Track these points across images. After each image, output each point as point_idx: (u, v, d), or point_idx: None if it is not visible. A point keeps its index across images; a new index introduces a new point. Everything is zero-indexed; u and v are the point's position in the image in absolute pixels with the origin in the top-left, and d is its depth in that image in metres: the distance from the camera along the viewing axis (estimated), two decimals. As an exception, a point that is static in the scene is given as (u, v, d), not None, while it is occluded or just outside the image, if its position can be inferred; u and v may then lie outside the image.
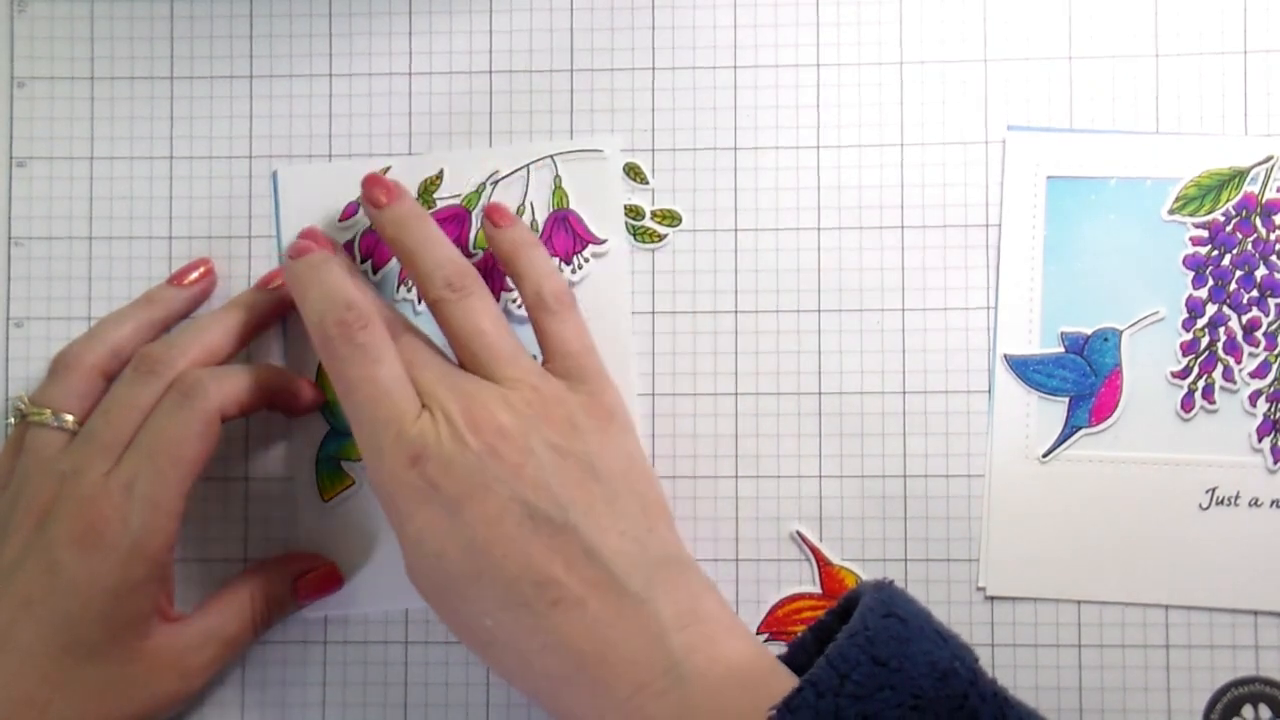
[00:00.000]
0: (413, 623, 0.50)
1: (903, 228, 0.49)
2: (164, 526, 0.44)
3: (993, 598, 0.49)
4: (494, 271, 0.50)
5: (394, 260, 0.50)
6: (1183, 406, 0.48)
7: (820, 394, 0.49)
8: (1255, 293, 0.48)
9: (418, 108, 0.51)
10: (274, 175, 0.51)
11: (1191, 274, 0.48)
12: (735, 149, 0.50)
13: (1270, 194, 0.48)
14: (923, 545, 0.49)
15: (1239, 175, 0.49)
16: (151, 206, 0.51)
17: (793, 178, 0.50)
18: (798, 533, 0.49)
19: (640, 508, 0.43)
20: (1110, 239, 0.49)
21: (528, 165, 0.50)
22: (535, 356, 0.46)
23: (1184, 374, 0.48)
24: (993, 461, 0.49)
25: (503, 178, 0.50)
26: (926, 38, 0.50)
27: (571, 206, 0.50)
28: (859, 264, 0.49)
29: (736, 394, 0.49)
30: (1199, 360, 0.48)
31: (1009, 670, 0.48)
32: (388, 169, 0.50)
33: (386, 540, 0.50)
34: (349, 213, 0.50)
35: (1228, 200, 0.48)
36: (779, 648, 0.47)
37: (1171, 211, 0.49)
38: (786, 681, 0.38)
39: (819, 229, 0.50)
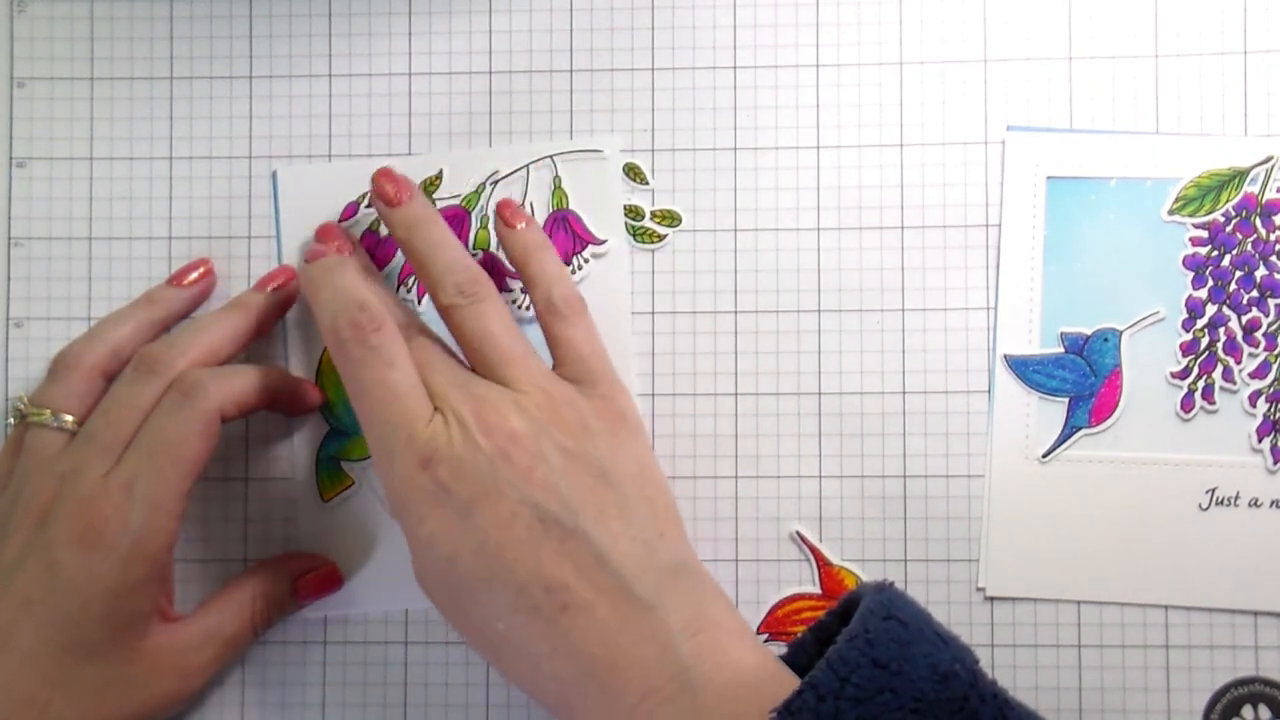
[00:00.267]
0: (413, 623, 0.50)
1: (903, 228, 0.49)
2: (164, 526, 0.44)
3: (993, 598, 0.49)
4: (494, 271, 0.50)
5: (394, 261, 0.50)
6: (1183, 407, 0.48)
7: (820, 394, 0.49)
8: (1255, 293, 0.48)
9: (418, 108, 0.51)
10: (274, 175, 0.51)
11: (1191, 274, 0.48)
12: (735, 149, 0.50)
13: (1270, 194, 0.48)
14: (923, 545, 0.49)
15: (1239, 175, 0.49)
16: (151, 206, 0.51)
17: (793, 178, 0.50)
18: (798, 533, 0.49)
19: (650, 513, 0.43)
20: (1110, 239, 0.49)
21: (527, 165, 0.50)
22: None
23: (1184, 374, 0.48)
24: (992, 462, 0.49)
25: (502, 178, 0.50)
26: (926, 38, 0.50)
27: (571, 207, 0.50)
28: (859, 264, 0.49)
29: (736, 394, 0.49)
30: (1199, 360, 0.48)
31: (1009, 671, 0.48)
32: (388, 169, 0.50)
33: (386, 540, 0.50)
34: (349, 213, 0.50)
35: (1228, 201, 0.48)
36: (779, 648, 0.47)
37: (1171, 212, 0.49)
38: (793, 687, 0.38)
39: (819, 229, 0.50)
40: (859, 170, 0.50)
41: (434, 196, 0.50)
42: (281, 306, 0.49)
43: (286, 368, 0.50)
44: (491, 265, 0.50)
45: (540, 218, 0.50)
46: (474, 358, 0.45)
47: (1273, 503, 0.48)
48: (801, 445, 0.49)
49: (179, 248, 0.51)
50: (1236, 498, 0.48)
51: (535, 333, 0.47)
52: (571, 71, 0.50)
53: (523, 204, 0.50)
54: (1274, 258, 0.48)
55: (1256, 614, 0.48)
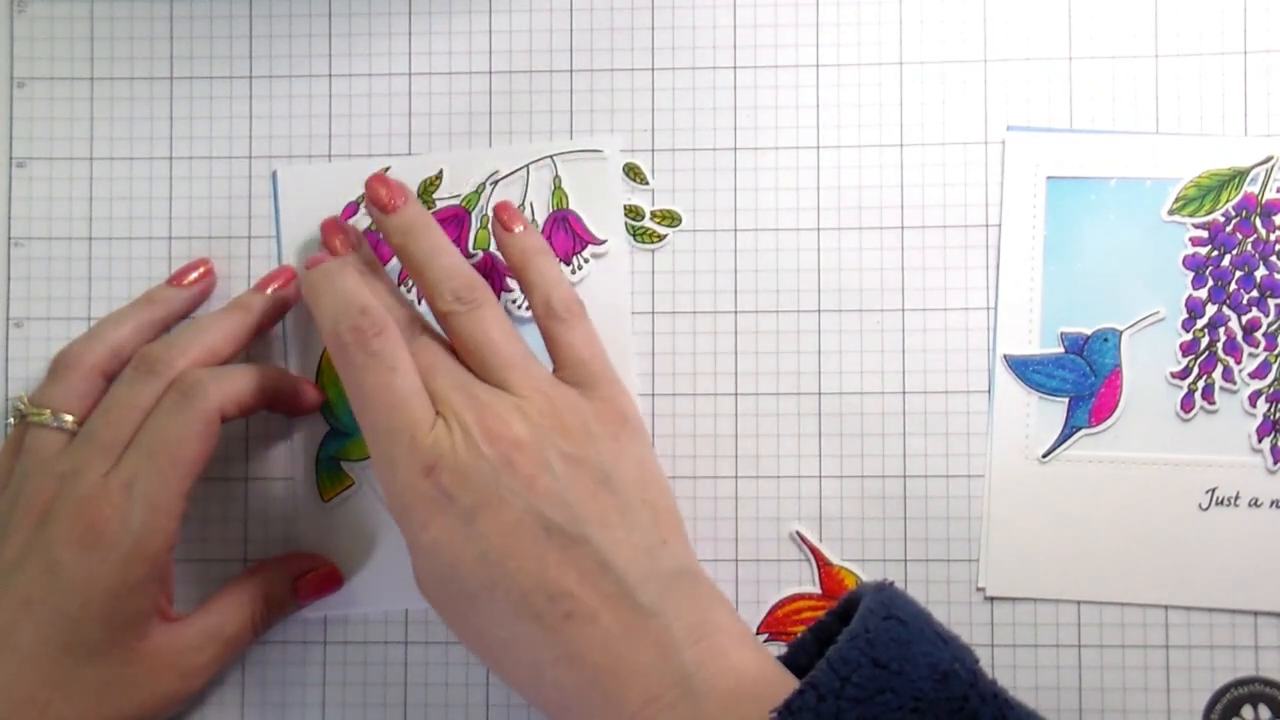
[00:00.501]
0: (413, 623, 0.50)
1: (903, 228, 0.49)
2: (164, 526, 0.44)
3: (992, 598, 0.49)
4: (493, 272, 0.50)
5: (393, 262, 0.50)
6: (1183, 407, 0.48)
7: (820, 394, 0.49)
8: (1255, 293, 0.48)
9: (418, 108, 0.51)
10: (274, 175, 0.51)
11: (1191, 274, 0.48)
12: (735, 149, 0.50)
13: (1270, 194, 0.48)
14: (922, 545, 0.49)
15: (1239, 175, 0.49)
16: (151, 206, 0.51)
17: (793, 178, 0.50)
18: (797, 533, 0.49)
19: (653, 518, 0.43)
20: (1110, 239, 0.49)
21: (527, 165, 0.50)
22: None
23: (1184, 374, 0.48)
24: (992, 462, 0.49)
25: (502, 178, 0.50)
26: (926, 38, 0.50)
27: (571, 207, 0.50)
28: (859, 264, 0.49)
29: (736, 394, 0.49)
30: (1199, 360, 0.48)
31: (1009, 671, 0.48)
32: (388, 169, 0.50)
33: (386, 540, 0.50)
34: (349, 213, 0.50)
35: (1228, 201, 0.48)
36: (779, 648, 0.47)
37: (1171, 212, 0.49)
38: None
39: (819, 229, 0.50)
40: (859, 170, 0.50)
41: (434, 197, 0.50)
42: (282, 308, 0.49)
43: (286, 368, 0.50)
44: (491, 266, 0.50)
45: (540, 218, 0.50)
46: (473, 363, 0.45)
47: (1273, 503, 0.48)
48: (801, 445, 0.49)
49: (179, 248, 0.51)
50: (1236, 498, 0.48)
51: (534, 337, 0.47)
52: (571, 71, 0.50)
53: (523, 204, 0.50)
54: (1274, 258, 0.48)
55: (1256, 614, 0.48)
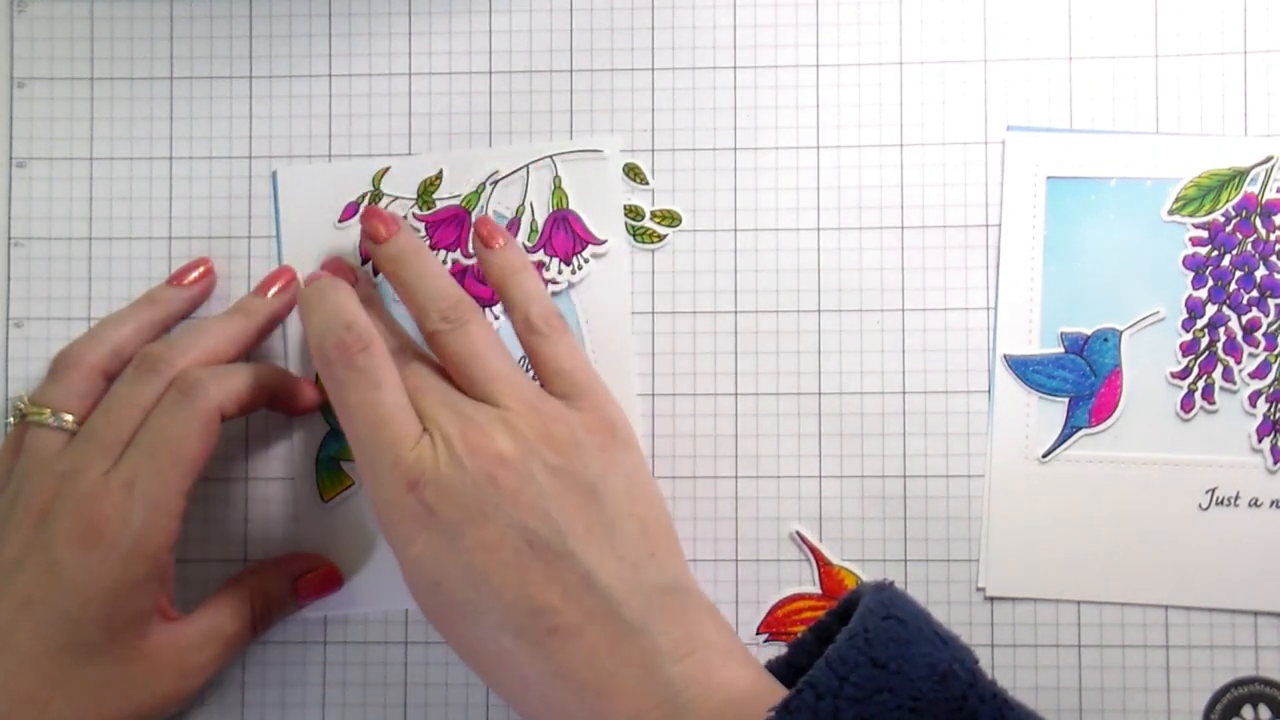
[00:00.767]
0: (413, 623, 0.50)
1: (903, 228, 0.49)
2: (164, 525, 0.44)
3: (992, 598, 0.49)
4: (494, 271, 0.50)
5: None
6: (1182, 407, 0.48)
7: (820, 394, 0.49)
8: (1255, 293, 0.48)
9: (418, 108, 0.51)
10: (274, 175, 0.51)
11: (1191, 274, 0.48)
12: (735, 149, 0.50)
13: (1270, 194, 0.48)
14: (923, 545, 0.49)
15: (1239, 175, 0.49)
16: (151, 206, 0.51)
17: (793, 178, 0.50)
18: (797, 533, 0.49)
19: (641, 531, 0.42)
20: (1110, 239, 0.49)
21: (527, 165, 0.50)
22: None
23: (1184, 374, 0.48)
24: (992, 462, 0.49)
25: (502, 178, 0.50)
26: (926, 38, 0.50)
27: (571, 207, 0.50)
28: (859, 264, 0.49)
29: (736, 394, 0.49)
30: (1199, 360, 0.48)
31: (1009, 670, 0.48)
32: (388, 169, 0.50)
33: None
34: (348, 213, 0.50)
35: (1228, 201, 0.48)
36: (779, 648, 0.47)
37: (1171, 212, 0.49)
38: None
39: (819, 229, 0.50)
40: (859, 170, 0.50)
41: (434, 197, 0.50)
42: (283, 311, 0.49)
43: (286, 368, 0.50)
44: (491, 265, 0.50)
45: (540, 218, 0.50)
46: (461, 379, 0.45)
47: (1273, 503, 0.48)
48: (801, 445, 0.49)
49: (179, 248, 0.51)
50: (1236, 498, 0.48)
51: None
52: (571, 71, 0.50)
53: (523, 204, 0.50)
54: (1274, 258, 0.48)
55: (1256, 614, 0.48)
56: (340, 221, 0.50)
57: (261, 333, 0.49)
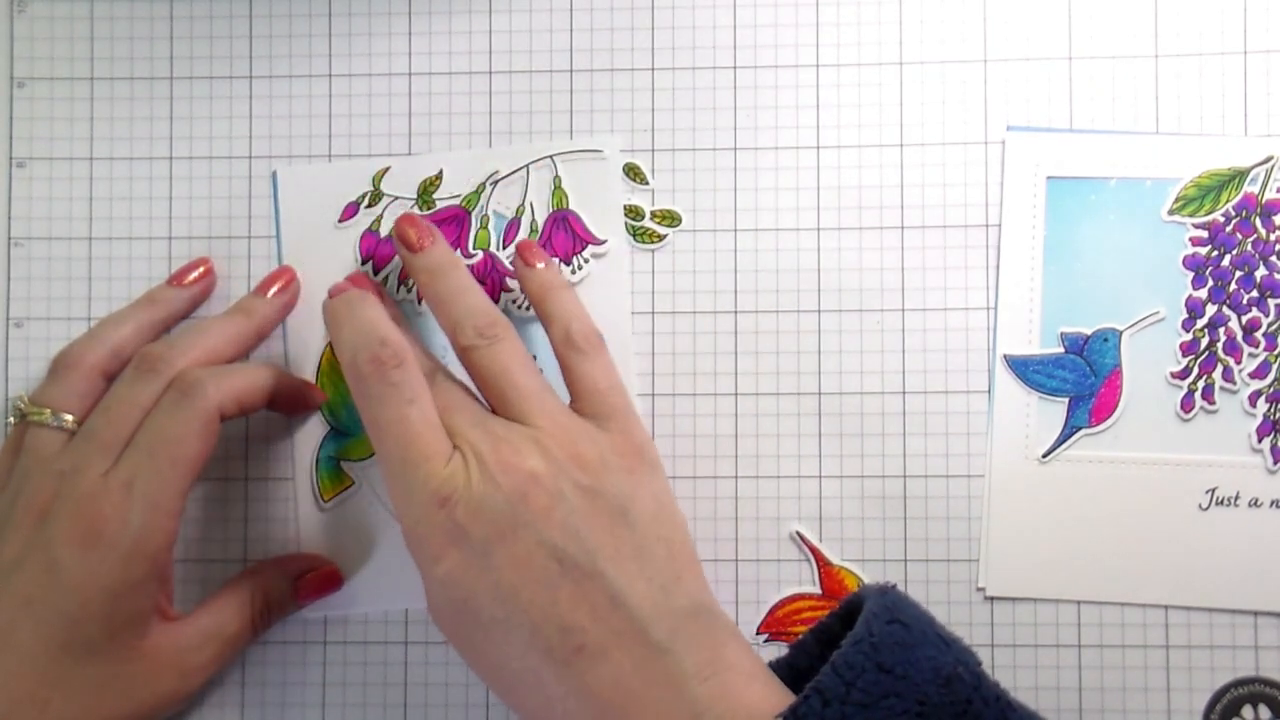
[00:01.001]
0: (413, 623, 0.50)
1: (903, 228, 0.49)
2: (164, 525, 0.44)
3: (993, 598, 0.49)
4: (493, 273, 0.50)
5: (395, 260, 0.50)
6: (1182, 407, 0.48)
7: (820, 394, 0.49)
8: (1255, 293, 0.48)
9: (418, 108, 0.51)
10: (274, 175, 0.51)
11: (1191, 274, 0.48)
12: (735, 149, 0.50)
13: (1270, 194, 0.48)
14: (923, 545, 0.49)
15: (1239, 175, 0.49)
16: (151, 206, 0.51)
17: (793, 178, 0.50)
18: (798, 533, 0.49)
19: (668, 554, 0.42)
20: (1110, 239, 0.49)
21: (527, 165, 0.50)
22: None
23: (1184, 374, 0.48)
24: (992, 462, 0.49)
25: (502, 178, 0.50)
26: (926, 38, 0.50)
27: (571, 207, 0.50)
28: (859, 264, 0.49)
29: (736, 394, 0.49)
30: (1199, 360, 0.48)
31: (1009, 671, 0.48)
32: (388, 169, 0.50)
33: (386, 540, 0.50)
34: (349, 213, 0.50)
35: (1228, 201, 0.48)
36: (779, 649, 0.47)
37: (1171, 212, 0.49)
38: None
39: (819, 229, 0.50)
40: (859, 170, 0.50)
41: (434, 197, 0.50)
42: (283, 312, 0.49)
43: (286, 368, 0.50)
44: (491, 266, 0.50)
45: (540, 218, 0.50)
46: (492, 396, 0.45)
47: (1273, 503, 0.48)
48: (801, 445, 0.49)
49: (179, 248, 0.51)
50: (1236, 498, 0.48)
51: (552, 372, 0.47)
52: (571, 71, 0.50)
53: (523, 204, 0.50)
54: (1274, 258, 0.48)
55: (1256, 614, 0.48)
56: (340, 221, 0.50)
57: (261, 333, 0.49)
